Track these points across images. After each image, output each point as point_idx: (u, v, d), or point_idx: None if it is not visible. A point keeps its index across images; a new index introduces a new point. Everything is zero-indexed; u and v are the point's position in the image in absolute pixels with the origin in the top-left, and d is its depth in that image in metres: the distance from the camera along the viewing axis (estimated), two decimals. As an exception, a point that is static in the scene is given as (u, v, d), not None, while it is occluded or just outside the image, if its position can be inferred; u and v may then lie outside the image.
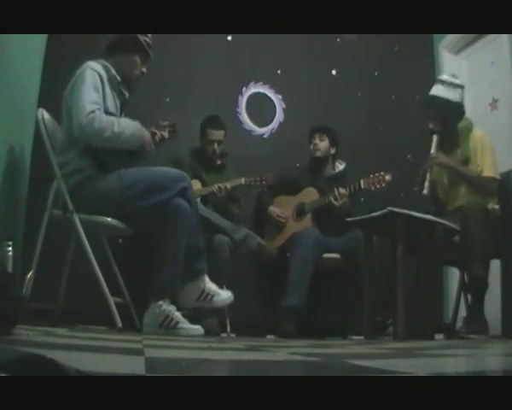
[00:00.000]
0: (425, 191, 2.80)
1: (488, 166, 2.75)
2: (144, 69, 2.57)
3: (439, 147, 2.86)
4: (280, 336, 2.80)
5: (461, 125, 2.87)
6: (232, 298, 2.49)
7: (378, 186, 2.98)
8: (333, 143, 3.32)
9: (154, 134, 2.49)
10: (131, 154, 2.48)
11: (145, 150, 2.45)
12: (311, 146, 3.32)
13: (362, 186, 3.03)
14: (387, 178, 2.97)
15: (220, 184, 3.11)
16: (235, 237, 2.93)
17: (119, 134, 2.33)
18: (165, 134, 2.53)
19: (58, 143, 2.47)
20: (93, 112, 2.28)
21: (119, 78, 2.49)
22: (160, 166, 2.58)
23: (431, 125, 2.89)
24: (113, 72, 2.47)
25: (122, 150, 2.42)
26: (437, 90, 2.89)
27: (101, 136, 2.30)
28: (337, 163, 3.37)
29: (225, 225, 2.96)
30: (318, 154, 3.30)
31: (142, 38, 2.50)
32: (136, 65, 2.53)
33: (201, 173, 3.19)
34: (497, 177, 2.75)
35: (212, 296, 2.43)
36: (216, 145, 3.24)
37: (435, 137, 2.86)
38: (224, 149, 3.31)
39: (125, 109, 2.58)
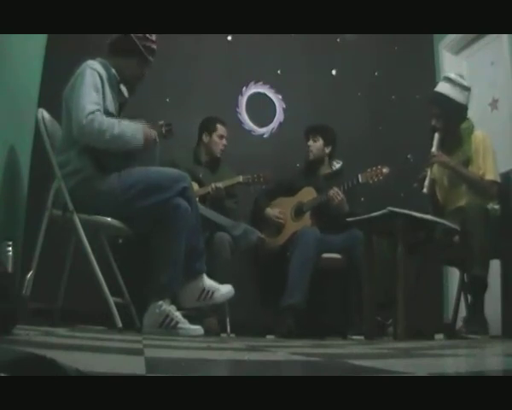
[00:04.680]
0: (425, 190, 2.78)
1: (490, 169, 2.73)
2: (144, 72, 2.57)
3: (441, 145, 2.84)
4: (279, 335, 2.80)
5: (463, 125, 2.85)
6: (233, 291, 2.50)
7: (376, 179, 2.98)
8: (327, 142, 3.32)
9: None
10: (131, 154, 2.49)
11: (149, 148, 2.46)
12: (306, 148, 3.32)
13: (360, 180, 3.04)
14: (385, 170, 2.98)
15: (218, 184, 3.11)
16: (234, 233, 2.94)
17: (118, 136, 2.34)
18: (162, 130, 2.55)
19: (58, 142, 2.47)
20: (93, 113, 2.28)
21: (118, 77, 2.49)
22: (159, 167, 2.59)
23: (433, 123, 2.87)
24: (113, 71, 2.47)
25: (123, 151, 2.42)
26: (443, 88, 2.85)
27: (100, 137, 2.30)
28: (334, 162, 3.37)
29: (224, 222, 2.98)
30: (311, 156, 3.32)
31: (143, 42, 2.49)
32: (134, 68, 2.52)
33: (198, 174, 3.19)
34: (498, 180, 2.74)
35: (213, 293, 2.44)
36: (224, 140, 3.30)
37: (437, 135, 2.84)
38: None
39: (125, 109, 2.58)
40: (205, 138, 3.30)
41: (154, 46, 2.55)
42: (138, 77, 2.57)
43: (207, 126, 3.30)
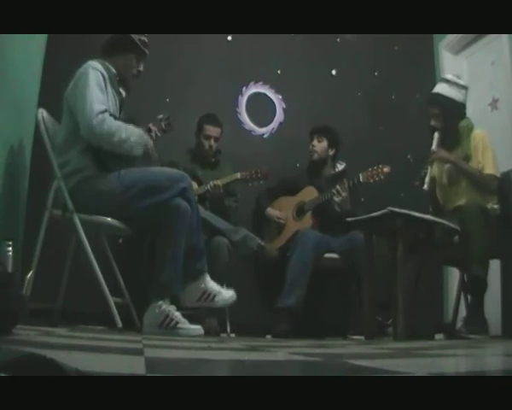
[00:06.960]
0: (425, 186, 2.80)
1: (489, 164, 2.76)
2: (141, 68, 2.58)
3: (441, 144, 2.86)
4: (274, 336, 2.80)
5: (462, 124, 2.87)
6: (234, 297, 2.47)
7: (377, 179, 2.98)
8: (332, 144, 3.32)
9: (150, 130, 2.53)
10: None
11: (148, 157, 2.47)
12: (310, 147, 3.33)
13: (361, 180, 3.04)
14: (386, 170, 2.98)
15: (216, 182, 3.11)
16: (233, 238, 2.93)
17: (125, 140, 2.34)
18: (162, 126, 2.58)
19: (58, 142, 2.47)
20: (102, 112, 2.29)
21: (117, 77, 2.50)
22: (159, 167, 2.59)
23: (433, 123, 2.90)
24: (114, 71, 2.48)
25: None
26: (441, 89, 2.89)
27: (109, 139, 2.31)
28: (337, 164, 3.37)
29: (224, 226, 2.96)
30: (315, 156, 3.31)
31: (136, 37, 2.50)
32: (132, 64, 2.53)
33: (197, 173, 3.19)
34: (498, 175, 2.75)
35: (214, 296, 2.43)
36: (212, 141, 3.26)
37: (436, 135, 2.87)
38: (220, 146, 3.33)
39: (124, 108, 2.58)
40: (196, 138, 3.31)
41: (146, 39, 2.56)
42: (135, 74, 2.57)
43: (197, 126, 3.30)
